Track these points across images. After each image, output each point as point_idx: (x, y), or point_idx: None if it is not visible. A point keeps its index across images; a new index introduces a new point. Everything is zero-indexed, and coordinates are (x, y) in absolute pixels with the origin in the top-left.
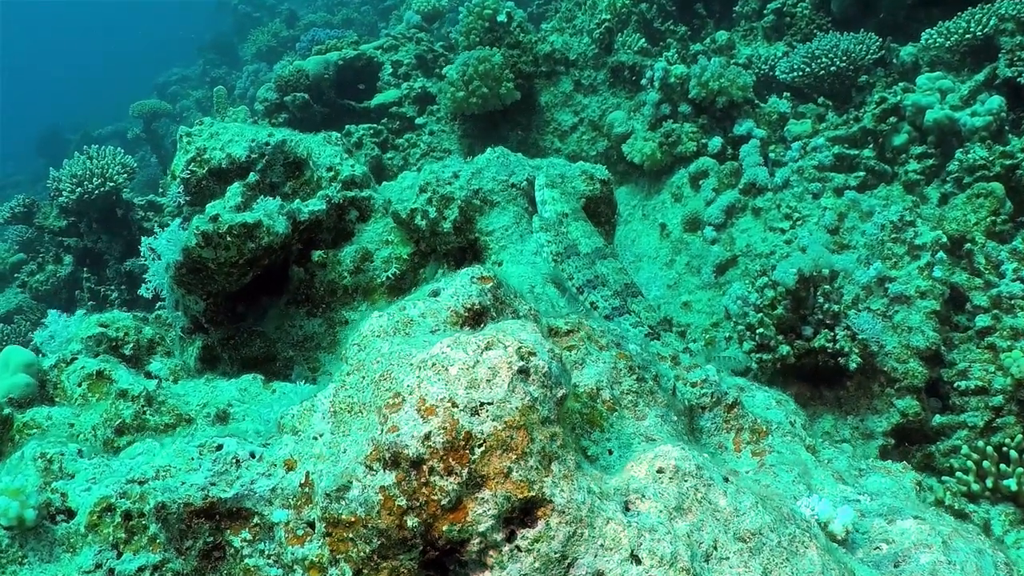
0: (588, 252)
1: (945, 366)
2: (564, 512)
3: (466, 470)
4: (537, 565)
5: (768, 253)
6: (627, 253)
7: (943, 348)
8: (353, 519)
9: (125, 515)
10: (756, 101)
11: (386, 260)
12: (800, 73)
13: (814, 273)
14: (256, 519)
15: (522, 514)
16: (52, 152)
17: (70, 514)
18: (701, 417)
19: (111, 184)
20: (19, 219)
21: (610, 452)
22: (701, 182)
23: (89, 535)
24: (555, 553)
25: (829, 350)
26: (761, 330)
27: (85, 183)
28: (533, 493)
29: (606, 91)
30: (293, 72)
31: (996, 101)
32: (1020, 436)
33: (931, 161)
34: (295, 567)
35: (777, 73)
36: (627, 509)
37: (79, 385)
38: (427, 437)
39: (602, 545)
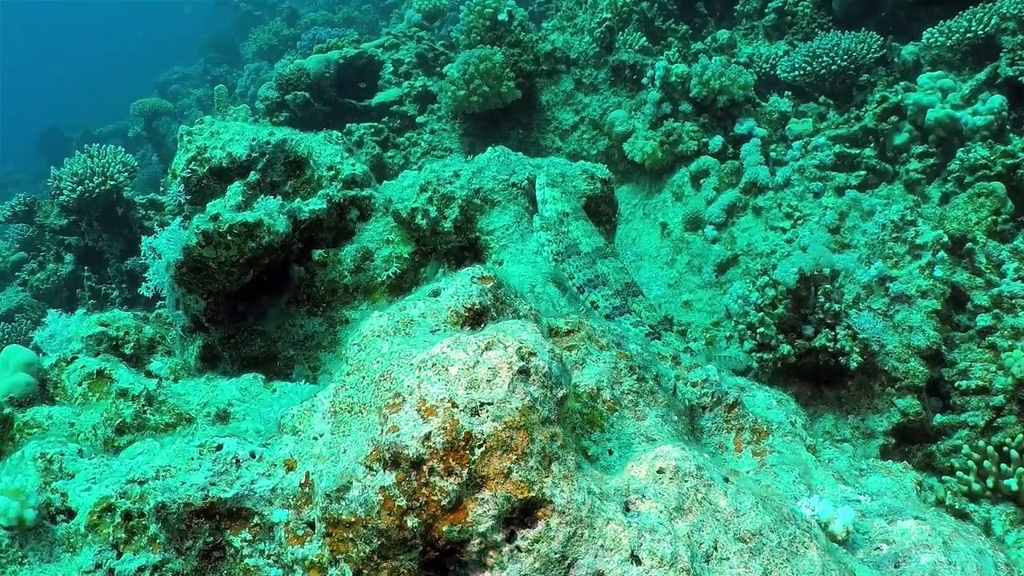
0: (589, 251)
1: (946, 365)
2: (564, 512)
3: (466, 470)
4: (537, 566)
5: (769, 252)
6: (628, 252)
7: (944, 347)
8: (353, 519)
9: (125, 515)
10: (757, 100)
11: (387, 259)
12: (801, 72)
13: (815, 272)
14: (256, 519)
15: (522, 514)
16: (53, 150)
17: (70, 514)
18: (702, 417)
19: (112, 183)
20: (20, 217)
21: (610, 452)
22: (702, 181)
23: (89, 535)
24: (555, 553)
25: (830, 349)
26: (762, 329)
27: (86, 181)
28: (533, 494)
29: (607, 90)
30: (294, 71)
31: (997, 100)
32: (1021, 436)
33: (932, 160)
34: (295, 567)
35: (778, 72)
36: (627, 509)
37: (79, 384)
38: (427, 437)
39: (602, 546)
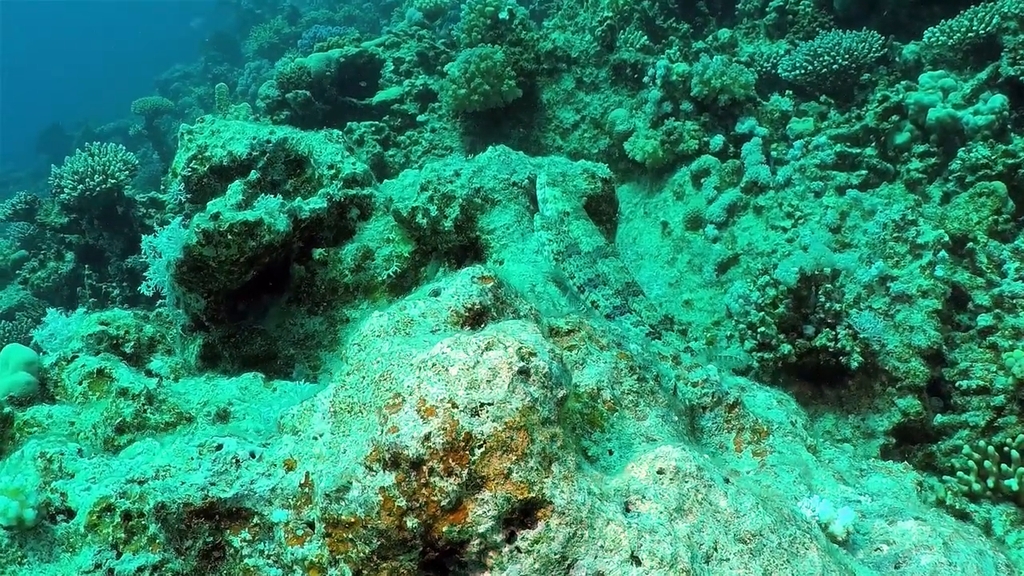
0: (589, 251)
1: (947, 365)
2: (564, 513)
3: (466, 471)
4: (537, 566)
5: (770, 251)
6: (628, 251)
7: (945, 347)
8: (353, 520)
9: (125, 515)
10: (758, 99)
11: (387, 258)
12: (802, 71)
13: (816, 272)
14: (256, 519)
15: (522, 515)
16: (54, 148)
17: (70, 514)
18: (702, 417)
19: (113, 181)
20: (21, 216)
21: (611, 452)
22: (703, 180)
23: (89, 535)
24: (555, 554)
25: (831, 349)
26: (763, 329)
27: (87, 180)
28: (533, 494)
29: (608, 89)
30: (295, 69)
31: (999, 100)
32: (1021, 436)
33: (933, 160)
34: (295, 567)
35: (779, 71)
36: (627, 510)
37: (80, 383)
38: (427, 438)
39: (602, 546)
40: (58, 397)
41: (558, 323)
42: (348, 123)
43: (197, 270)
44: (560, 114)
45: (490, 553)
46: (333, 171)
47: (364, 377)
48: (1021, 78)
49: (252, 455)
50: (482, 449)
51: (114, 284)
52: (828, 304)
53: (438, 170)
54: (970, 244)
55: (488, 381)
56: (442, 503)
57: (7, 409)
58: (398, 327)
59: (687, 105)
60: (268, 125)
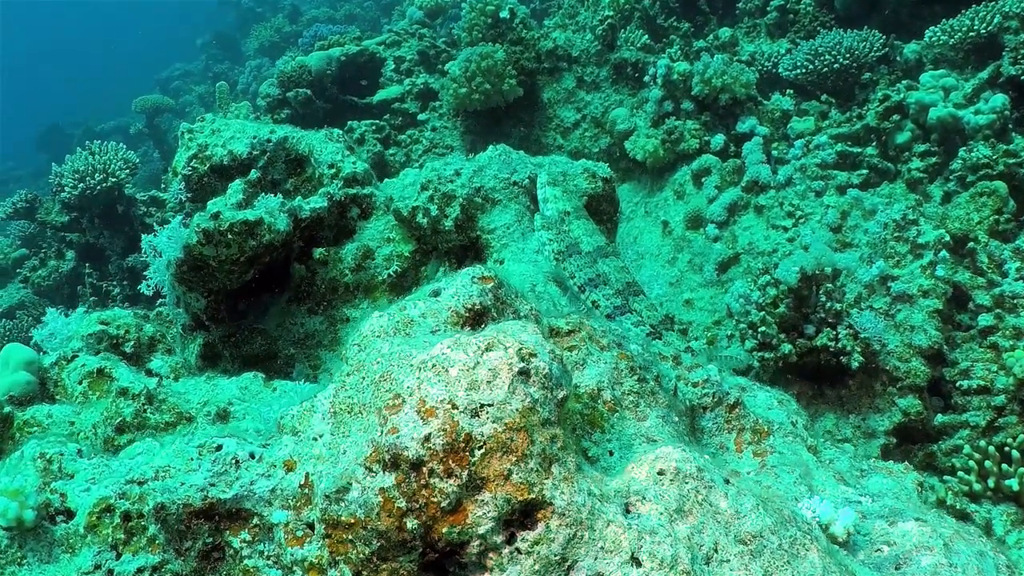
0: (590, 250)
1: (947, 365)
2: (564, 514)
3: (466, 472)
4: (537, 567)
5: (770, 251)
6: (629, 251)
7: (945, 347)
8: (352, 521)
9: (124, 516)
10: (759, 98)
11: (387, 258)
12: (803, 70)
13: (816, 271)
14: (255, 520)
15: (522, 516)
16: (54, 147)
17: (69, 515)
18: (703, 417)
19: (113, 180)
20: (21, 214)
21: (611, 453)
22: (704, 179)
23: (88, 536)
24: (555, 555)
25: (831, 349)
26: (763, 328)
27: (87, 178)
28: (533, 495)
29: (609, 88)
30: (296, 68)
31: (1000, 99)
32: (1022, 436)
33: (934, 159)
34: (294, 568)
35: (780, 70)
36: (628, 511)
37: (80, 383)
38: (427, 439)
39: (602, 547)
40: (58, 397)
41: (558, 323)
42: (349, 122)
43: (197, 269)
44: (561, 113)
45: (490, 554)
46: (333, 170)
47: (364, 378)
48: (1022, 77)
49: (252, 456)
50: (482, 450)
51: (114, 283)
52: (829, 304)
53: (439, 169)
54: (971, 244)
55: (488, 382)
56: (442, 504)
57: (7, 409)
58: (398, 327)
59: (688, 104)
60: (269, 124)
